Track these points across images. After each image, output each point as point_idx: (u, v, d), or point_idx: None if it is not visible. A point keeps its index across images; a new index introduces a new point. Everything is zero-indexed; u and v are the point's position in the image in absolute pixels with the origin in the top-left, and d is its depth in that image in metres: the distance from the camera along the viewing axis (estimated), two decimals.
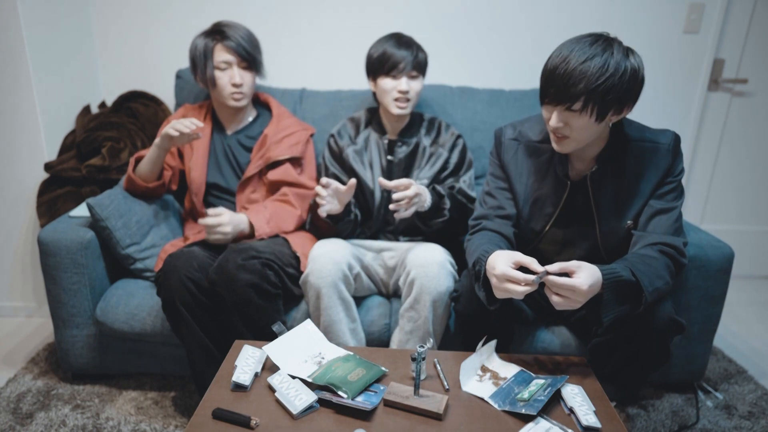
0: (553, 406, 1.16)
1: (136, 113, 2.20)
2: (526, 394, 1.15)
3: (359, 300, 1.72)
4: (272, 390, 1.18)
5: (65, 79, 2.14)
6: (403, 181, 1.51)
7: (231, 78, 1.78)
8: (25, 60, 1.94)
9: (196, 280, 1.52)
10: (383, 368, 1.25)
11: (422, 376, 1.22)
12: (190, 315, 1.52)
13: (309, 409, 1.12)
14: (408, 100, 1.73)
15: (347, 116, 1.95)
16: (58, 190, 2.02)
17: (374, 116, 1.87)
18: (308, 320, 1.37)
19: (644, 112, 2.39)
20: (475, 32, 2.30)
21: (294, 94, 2.15)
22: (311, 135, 1.97)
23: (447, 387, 1.21)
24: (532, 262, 1.19)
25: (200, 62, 1.78)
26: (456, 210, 1.66)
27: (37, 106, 2.00)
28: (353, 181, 1.59)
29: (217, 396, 1.17)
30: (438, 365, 1.28)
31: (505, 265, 1.19)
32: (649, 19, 2.30)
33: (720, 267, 1.64)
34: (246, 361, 1.25)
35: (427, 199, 1.59)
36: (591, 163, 1.39)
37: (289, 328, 1.37)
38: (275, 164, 1.84)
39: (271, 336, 1.35)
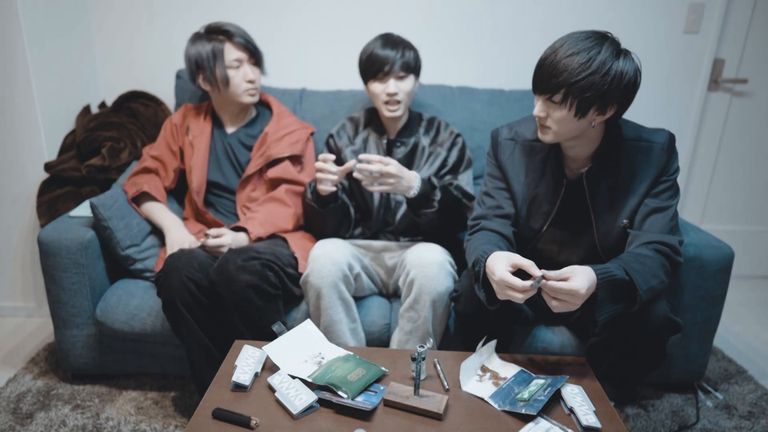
0: (553, 406, 1.16)
1: (136, 113, 2.20)
2: (526, 394, 1.15)
3: (359, 300, 1.72)
4: (272, 390, 1.18)
5: (65, 79, 2.14)
6: (385, 159, 1.53)
7: (245, 75, 1.81)
8: (25, 60, 1.94)
9: (197, 280, 1.52)
10: (383, 368, 1.25)
11: (422, 376, 1.22)
12: (191, 315, 1.52)
13: (309, 409, 1.12)
14: (398, 102, 1.72)
15: (347, 116, 1.95)
16: (58, 190, 2.02)
17: (373, 117, 1.87)
18: (308, 320, 1.37)
19: (644, 112, 2.39)
20: (476, 32, 2.30)
21: (294, 93, 2.15)
22: (311, 134, 1.97)
23: (447, 387, 1.21)
24: (530, 266, 1.20)
25: (208, 64, 1.78)
26: (448, 203, 1.66)
27: (37, 106, 2.00)
28: (352, 162, 1.60)
29: (217, 396, 1.17)
30: (438, 365, 1.28)
31: (503, 271, 1.20)
32: (649, 19, 2.30)
33: (720, 267, 1.64)
34: (246, 361, 1.25)
35: (413, 187, 1.59)
36: (587, 162, 1.40)
37: (289, 329, 1.37)
38: (275, 162, 1.84)
39: (271, 336, 1.35)
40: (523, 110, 2.09)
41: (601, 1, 2.28)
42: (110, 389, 1.80)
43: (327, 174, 1.59)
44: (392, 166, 1.53)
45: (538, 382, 1.20)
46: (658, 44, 2.34)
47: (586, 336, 1.59)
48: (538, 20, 2.29)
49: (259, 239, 1.73)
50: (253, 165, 1.84)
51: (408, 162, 1.80)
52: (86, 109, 2.24)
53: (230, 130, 1.92)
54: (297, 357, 1.27)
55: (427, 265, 1.53)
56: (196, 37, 1.81)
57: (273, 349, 1.26)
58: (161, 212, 1.79)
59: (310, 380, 1.18)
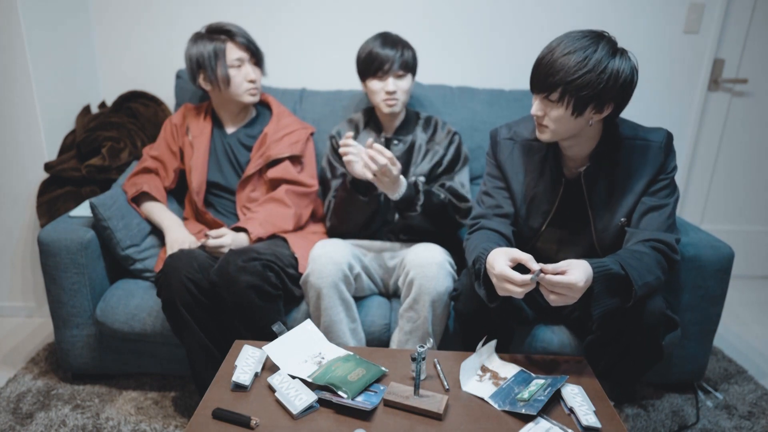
0: (553, 406, 1.16)
1: (136, 113, 2.20)
2: (526, 394, 1.16)
3: (359, 300, 1.72)
4: (272, 390, 1.18)
5: (65, 79, 2.14)
6: (395, 159, 1.52)
7: (246, 75, 1.82)
8: (25, 60, 1.94)
9: (197, 280, 1.52)
10: (383, 368, 1.25)
11: (422, 376, 1.21)
12: (191, 315, 1.52)
13: (309, 409, 1.12)
14: (396, 99, 1.74)
15: (346, 117, 1.95)
16: (58, 190, 2.02)
17: (371, 117, 1.88)
18: (308, 320, 1.37)
19: (644, 112, 2.39)
20: (476, 32, 2.30)
21: (294, 94, 2.15)
22: (311, 134, 1.97)
23: (447, 387, 1.21)
24: (529, 260, 1.21)
25: (209, 64, 1.78)
26: (431, 207, 1.66)
27: (37, 106, 2.00)
28: (369, 140, 1.55)
29: (217, 396, 1.17)
30: (438, 365, 1.28)
31: (503, 265, 1.21)
32: (649, 19, 2.30)
33: (720, 267, 1.64)
34: (246, 361, 1.25)
35: (399, 190, 1.59)
36: (585, 161, 1.40)
37: (289, 329, 1.37)
38: (275, 162, 1.84)
39: (271, 336, 1.35)
40: (523, 110, 2.09)
41: (601, 1, 2.28)
42: (110, 389, 1.80)
43: (352, 152, 1.56)
44: (396, 168, 1.53)
45: (538, 382, 1.20)
46: (658, 44, 2.34)
47: (585, 335, 1.59)
48: (538, 20, 2.29)
49: (260, 239, 1.73)
50: (252, 165, 1.84)
51: (405, 159, 1.81)
52: (86, 109, 2.24)
53: (230, 130, 1.92)
54: (297, 357, 1.27)
55: (427, 265, 1.53)
56: (198, 37, 1.81)
57: (273, 349, 1.26)
58: (161, 212, 1.79)
59: (310, 380, 1.18)
